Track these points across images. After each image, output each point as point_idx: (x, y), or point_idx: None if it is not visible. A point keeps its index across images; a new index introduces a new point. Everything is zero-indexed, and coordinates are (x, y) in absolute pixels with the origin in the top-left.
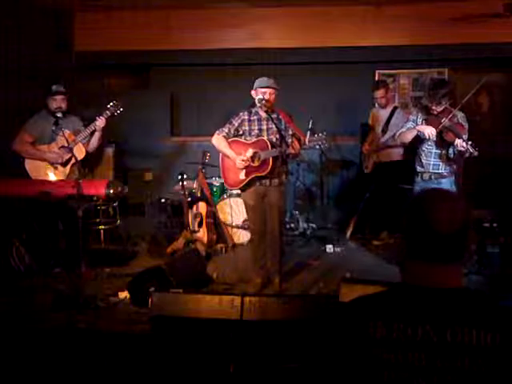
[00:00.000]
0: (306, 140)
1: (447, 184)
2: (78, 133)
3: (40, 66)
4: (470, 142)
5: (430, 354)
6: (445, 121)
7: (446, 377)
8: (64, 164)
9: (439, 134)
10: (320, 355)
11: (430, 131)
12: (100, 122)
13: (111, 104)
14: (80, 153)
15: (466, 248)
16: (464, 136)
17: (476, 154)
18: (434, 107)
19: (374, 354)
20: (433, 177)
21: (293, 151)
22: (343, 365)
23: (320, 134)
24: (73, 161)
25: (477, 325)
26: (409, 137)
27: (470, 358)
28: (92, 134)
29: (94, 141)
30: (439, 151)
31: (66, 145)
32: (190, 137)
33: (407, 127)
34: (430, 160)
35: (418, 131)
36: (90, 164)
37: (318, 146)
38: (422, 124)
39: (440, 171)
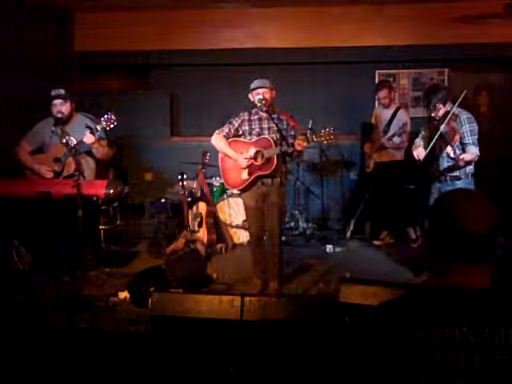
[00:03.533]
0: (314, 137)
1: (463, 186)
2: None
3: (40, 66)
4: (458, 152)
5: (467, 354)
6: (442, 126)
7: (485, 378)
8: (56, 176)
9: (438, 142)
10: (324, 356)
11: (416, 153)
12: (87, 139)
13: (104, 118)
14: (70, 167)
15: (495, 247)
16: (469, 138)
17: (462, 163)
18: (433, 114)
19: (411, 357)
20: (448, 179)
21: (299, 148)
22: (379, 370)
23: (327, 129)
24: (64, 173)
25: None
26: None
27: (509, 359)
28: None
29: (96, 152)
30: (435, 165)
31: (59, 156)
32: (190, 137)
33: (419, 138)
34: (444, 163)
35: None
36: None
37: (325, 142)
38: (428, 131)
39: (455, 173)
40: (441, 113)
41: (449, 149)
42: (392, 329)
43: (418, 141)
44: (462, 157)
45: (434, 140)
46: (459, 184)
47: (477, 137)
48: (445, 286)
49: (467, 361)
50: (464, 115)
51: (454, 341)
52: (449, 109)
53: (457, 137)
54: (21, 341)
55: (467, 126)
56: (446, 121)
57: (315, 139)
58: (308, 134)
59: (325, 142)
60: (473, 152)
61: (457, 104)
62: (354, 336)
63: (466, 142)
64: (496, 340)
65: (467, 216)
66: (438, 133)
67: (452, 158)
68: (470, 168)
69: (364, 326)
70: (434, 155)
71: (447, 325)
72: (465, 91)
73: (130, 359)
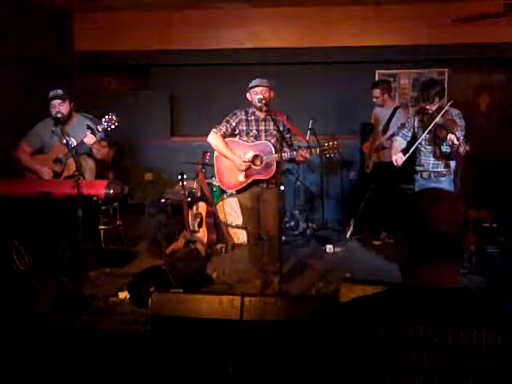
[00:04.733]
0: (318, 150)
1: (446, 183)
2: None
3: (40, 66)
4: (462, 138)
5: (431, 354)
6: (437, 118)
7: (447, 377)
8: (57, 176)
9: (433, 132)
10: (319, 355)
11: (395, 158)
12: (87, 140)
13: (105, 118)
14: (70, 167)
15: (464, 248)
16: (457, 132)
17: (468, 148)
18: (427, 106)
19: (376, 354)
20: (432, 175)
21: (301, 158)
22: (344, 366)
23: (331, 143)
24: (65, 174)
25: (478, 325)
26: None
27: (471, 359)
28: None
29: (96, 153)
30: (435, 149)
31: (60, 156)
32: (190, 137)
33: (399, 137)
34: (430, 159)
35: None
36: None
37: (328, 155)
38: (417, 125)
39: (439, 170)
40: (434, 107)
41: (452, 136)
42: (359, 325)
43: (399, 143)
44: (463, 139)
45: (425, 133)
46: (443, 180)
47: (464, 133)
48: (414, 284)
49: (431, 359)
50: (454, 111)
51: (419, 339)
52: (442, 105)
53: (457, 126)
54: (21, 341)
55: (458, 121)
56: (441, 113)
57: (318, 152)
58: (311, 146)
59: (327, 156)
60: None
61: (450, 103)
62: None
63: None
64: (460, 339)
65: (435, 215)
66: (433, 123)
67: (452, 147)
68: (453, 165)
69: (332, 321)
70: (420, 151)
71: (412, 323)
72: (451, 101)
73: (130, 359)
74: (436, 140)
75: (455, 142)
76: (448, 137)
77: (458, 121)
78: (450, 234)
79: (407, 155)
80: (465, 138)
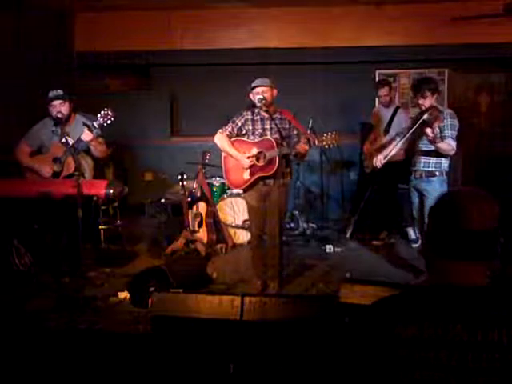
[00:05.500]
0: (316, 141)
1: (438, 183)
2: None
3: (40, 66)
4: (437, 131)
5: (461, 353)
6: (425, 115)
7: (478, 376)
8: (56, 176)
9: (421, 128)
10: (324, 356)
11: (375, 160)
12: (84, 136)
13: (100, 114)
14: (69, 166)
15: (495, 247)
16: (447, 132)
17: (439, 142)
18: (420, 102)
19: (404, 353)
20: (423, 175)
21: (302, 151)
22: (373, 366)
23: (330, 134)
24: (64, 173)
25: (508, 324)
26: None
27: (501, 358)
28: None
29: (94, 150)
30: (418, 145)
31: (59, 155)
32: (190, 137)
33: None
34: (421, 158)
35: None
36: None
37: (327, 146)
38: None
39: (430, 169)
40: (427, 103)
41: (428, 130)
42: (386, 325)
43: (396, 143)
44: (439, 136)
45: (411, 130)
46: (434, 180)
47: (456, 133)
48: (443, 283)
49: (460, 359)
50: (447, 111)
51: (448, 338)
52: (434, 102)
53: (438, 122)
54: (21, 341)
55: (449, 120)
56: (430, 110)
57: (317, 143)
58: (310, 138)
59: (326, 147)
60: (450, 144)
61: (435, 96)
62: (351, 334)
63: (446, 134)
64: (489, 338)
65: (468, 215)
66: (421, 120)
67: (430, 141)
68: (446, 165)
69: (359, 323)
70: (411, 150)
71: (441, 322)
72: (437, 94)
73: (130, 359)
74: (419, 136)
75: (429, 134)
76: (425, 130)
77: (446, 120)
78: (481, 232)
79: (387, 158)
80: (443, 135)
